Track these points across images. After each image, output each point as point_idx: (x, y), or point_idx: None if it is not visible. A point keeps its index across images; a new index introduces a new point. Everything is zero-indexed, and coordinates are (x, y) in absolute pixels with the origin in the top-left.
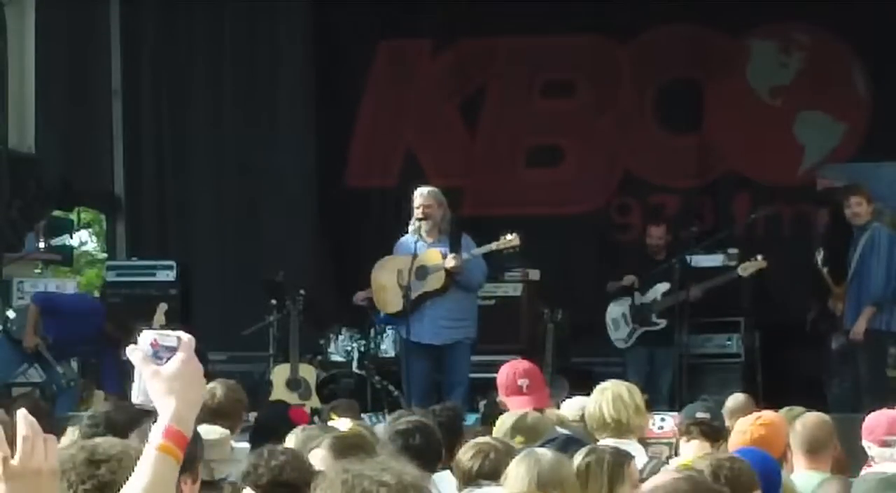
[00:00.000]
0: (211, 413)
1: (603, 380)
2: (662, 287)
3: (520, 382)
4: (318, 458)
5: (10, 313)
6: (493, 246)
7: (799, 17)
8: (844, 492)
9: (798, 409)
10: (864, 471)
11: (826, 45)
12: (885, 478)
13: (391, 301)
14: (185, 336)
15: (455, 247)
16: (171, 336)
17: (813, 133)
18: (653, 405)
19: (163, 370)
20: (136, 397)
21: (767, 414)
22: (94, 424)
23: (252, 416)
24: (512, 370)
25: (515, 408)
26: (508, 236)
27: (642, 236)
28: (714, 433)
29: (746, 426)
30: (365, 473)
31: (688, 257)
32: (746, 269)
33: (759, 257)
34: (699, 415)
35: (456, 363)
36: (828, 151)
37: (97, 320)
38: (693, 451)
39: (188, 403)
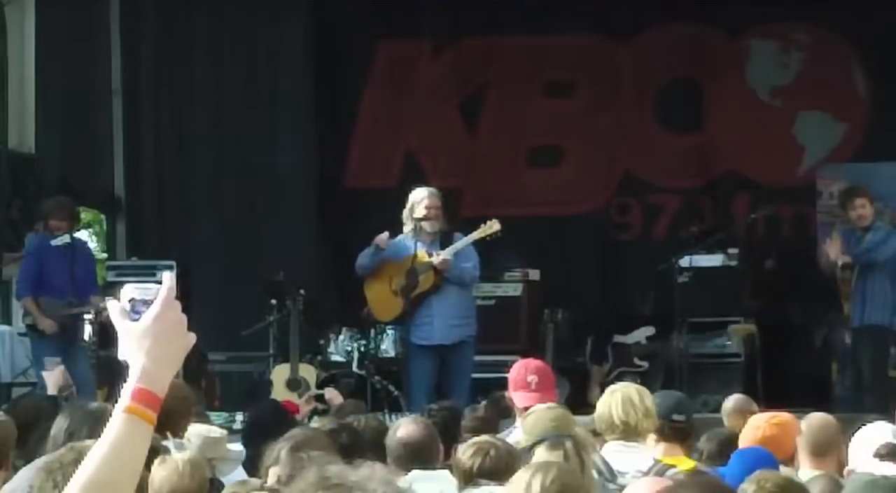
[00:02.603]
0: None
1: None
2: (647, 331)
3: (529, 378)
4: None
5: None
6: (475, 235)
7: (799, 17)
8: (830, 489)
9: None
10: (854, 471)
11: (826, 45)
12: (872, 479)
13: (387, 309)
14: (166, 283)
15: (446, 245)
16: (151, 290)
17: (813, 133)
18: None
19: (134, 327)
20: (120, 355)
21: (782, 415)
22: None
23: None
24: (523, 367)
25: (521, 404)
26: (488, 222)
27: (642, 236)
28: (687, 433)
29: (761, 423)
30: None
31: (686, 259)
32: (737, 332)
33: (751, 322)
34: (675, 417)
35: (462, 362)
36: (828, 151)
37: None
38: (662, 452)
39: (159, 360)
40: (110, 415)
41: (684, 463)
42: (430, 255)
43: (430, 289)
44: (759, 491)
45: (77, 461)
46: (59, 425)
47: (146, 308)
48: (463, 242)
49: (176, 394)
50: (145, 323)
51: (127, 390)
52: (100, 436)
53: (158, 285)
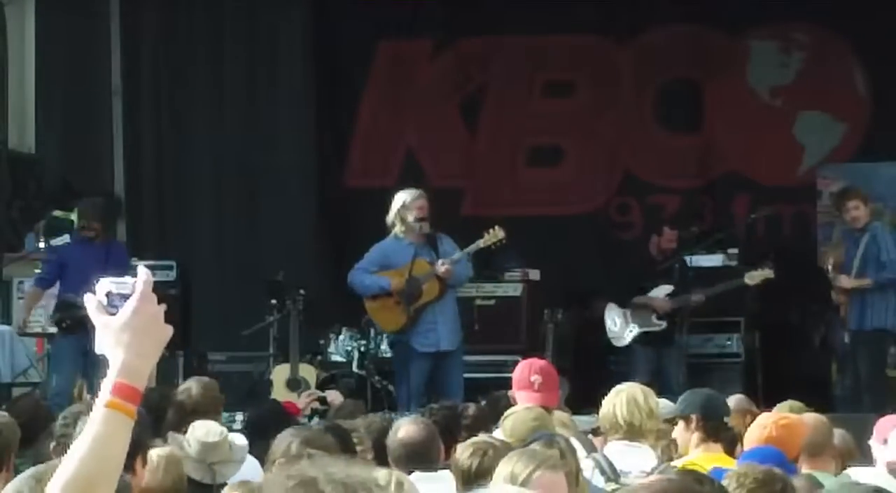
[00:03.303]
0: (190, 412)
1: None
2: (665, 289)
3: (532, 378)
4: None
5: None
6: (481, 243)
7: (799, 16)
8: (809, 488)
9: (796, 404)
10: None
11: (826, 44)
12: (850, 483)
13: (390, 320)
14: (142, 277)
15: (434, 247)
16: (128, 283)
17: (813, 133)
18: None
19: (112, 322)
20: (98, 349)
21: (790, 416)
22: (66, 424)
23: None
24: (528, 366)
25: (524, 403)
26: (492, 231)
27: (642, 236)
28: (729, 435)
29: (768, 422)
30: (312, 483)
31: (688, 259)
32: (753, 278)
33: (767, 268)
34: (728, 420)
35: (458, 363)
36: (828, 151)
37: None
38: (702, 452)
39: (139, 354)
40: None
41: (716, 462)
42: (431, 263)
43: (436, 297)
44: (739, 488)
45: None
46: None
47: (123, 302)
48: (468, 250)
49: (207, 393)
50: (123, 317)
51: (107, 385)
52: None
53: (134, 279)
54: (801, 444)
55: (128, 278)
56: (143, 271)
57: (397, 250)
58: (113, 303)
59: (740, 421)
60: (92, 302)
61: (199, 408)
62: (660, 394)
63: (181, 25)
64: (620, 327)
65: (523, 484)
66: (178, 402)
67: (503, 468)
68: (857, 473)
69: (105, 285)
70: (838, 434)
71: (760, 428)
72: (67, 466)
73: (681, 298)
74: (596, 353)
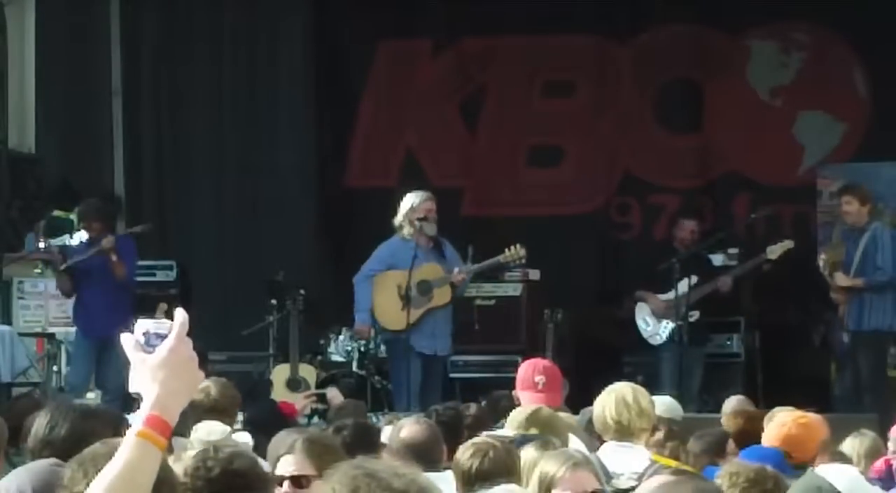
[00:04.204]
0: (207, 411)
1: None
2: (690, 281)
3: (536, 378)
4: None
5: None
6: (500, 259)
7: (799, 16)
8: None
9: (786, 409)
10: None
11: (826, 45)
12: (810, 486)
13: (394, 319)
14: (179, 320)
15: (438, 251)
16: (165, 324)
17: (813, 133)
18: (683, 405)
19: (149, 359)
20: (131, 387)
21: (809, 415)
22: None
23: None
24: (532, 367)
25: (527, 403)
26: (514, 248)
27: (642, 236)
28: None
29: (788, 420)
30: (377, 475)
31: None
32: (774, 251)
33: (786, 239)
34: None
35: (441, 367)
36: (828, 151)
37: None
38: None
39: (172, 391)
40: (95, 413)
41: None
42: (446, 270)
43: (446, 304)
44: (732, 488)
45: (109, 454)
46: (41, 420)
47: (160, 342)
48: (486, 264)
49: (226, 393)
50: (161, 355)
51: (140, 416)
52: (81, 432)
53: (171, 321)
54: (818, 444)
55: (165, 320)
56: (180, 313)
57: (404, 251)
58: (150, 342)
59: (739, 422)
60: (129, 341)
61: (217, 407)
62: (682, 394)
63: (181, 25)
64: (653, 325)
65: (554, 483)
66: (194, 401)
67: (536, 470)
68: (827, 471)
69: (143, 324)
70: (870, 436)
71: (779, 427)
72: (97, 487)
73: (707, 285)
74: (610, 353)
